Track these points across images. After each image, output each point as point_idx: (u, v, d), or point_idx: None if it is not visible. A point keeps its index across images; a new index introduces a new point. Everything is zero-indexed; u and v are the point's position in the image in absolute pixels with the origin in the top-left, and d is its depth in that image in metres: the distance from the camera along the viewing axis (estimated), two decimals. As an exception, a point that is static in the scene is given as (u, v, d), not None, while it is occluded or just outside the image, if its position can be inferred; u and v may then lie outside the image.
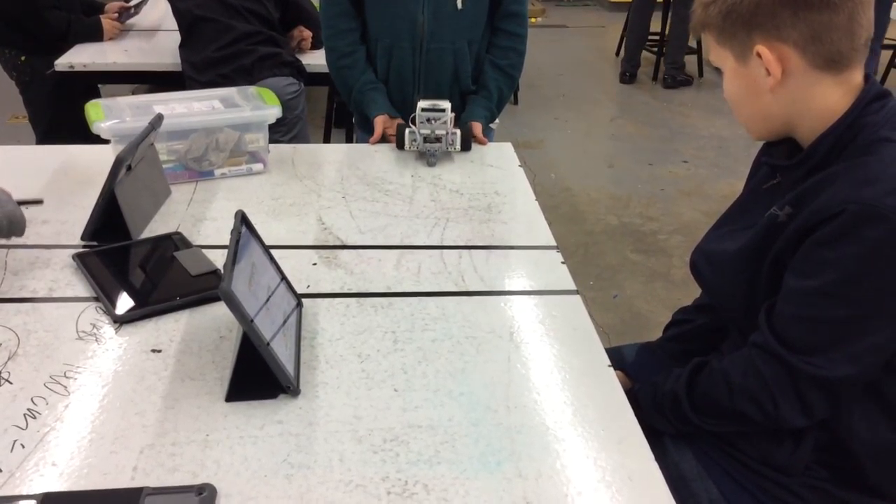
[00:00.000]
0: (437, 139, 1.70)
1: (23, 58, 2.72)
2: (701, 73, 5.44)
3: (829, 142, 0.97)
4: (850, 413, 1.03)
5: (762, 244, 1.03)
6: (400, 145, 1.74)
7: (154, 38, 2.90)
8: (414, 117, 1.69)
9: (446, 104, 1.68)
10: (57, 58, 2.60)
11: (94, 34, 2.76)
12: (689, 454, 1.14)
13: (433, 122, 1.68)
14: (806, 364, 0.96)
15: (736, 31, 0.98)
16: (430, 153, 1.70)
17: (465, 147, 1.74)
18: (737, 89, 1.03)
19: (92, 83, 2.80)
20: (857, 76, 0.99)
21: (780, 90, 0.98)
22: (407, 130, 1.71)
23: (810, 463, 1.07)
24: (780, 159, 1.06)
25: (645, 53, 5.39)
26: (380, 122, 1.84)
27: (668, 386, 1.12)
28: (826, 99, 0.98)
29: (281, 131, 2.60)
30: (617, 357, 1.37)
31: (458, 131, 1.71)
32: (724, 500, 1.11)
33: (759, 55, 0.96)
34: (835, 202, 0.92)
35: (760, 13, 0.95)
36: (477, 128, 1.84)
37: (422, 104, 1.68)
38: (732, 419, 1.06)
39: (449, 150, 1.72)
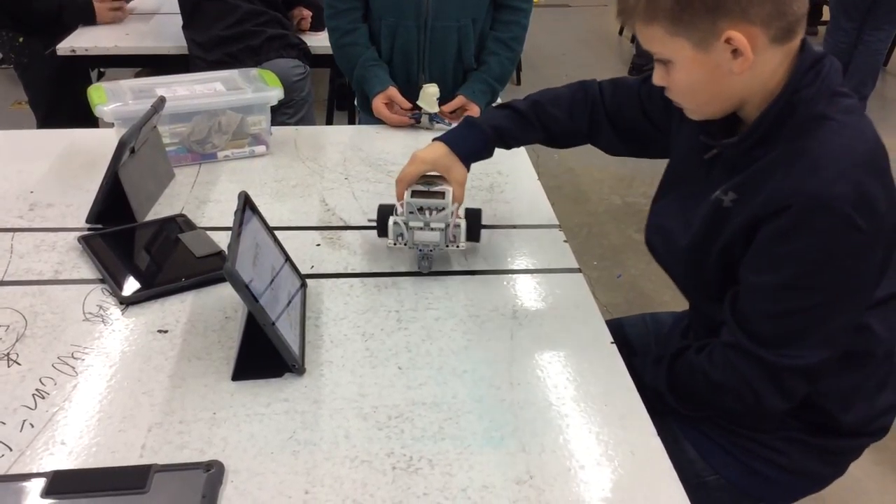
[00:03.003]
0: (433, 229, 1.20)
1: (21, 39, 2.69)
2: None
3: (770, 119, 0.95)
4: None
5: (709, 230, 1.02)
6: (381, 233, 1.25)
7: (153, 21, 2.88)
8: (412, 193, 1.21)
9: (447, 187, 1.21)
10: (56, 39, 2.58)
11: (86, 17, 2.73)
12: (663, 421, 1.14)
13: (428, 212, 1.20)
14: (783, 357, 0.96)
15: (696, 20, 0.92)
16: (424, 254, 1.22)
17: (474, 237, 1.25)
18: (696, 77, 0.98)
19: (93, 67, 2.78)
20: (797, 41, 0.96)
21: (747, 70, 0.94)
22: (391, 220, 1.21)
23: (784, 417, 1.08)
24: (719, 136, 1.04)
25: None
26: (382, 99, 1.82)
27: (648, 381, 1.10)
28: (774, 69, 0.95)
29: (287, 114, 2.60)
30: (617, 328, 1.37)
31: (463, 220, 1.22)
32: (703, 461, 1.12)
33: (727, 41, 0.91)
34: (782, 195, 0.91)
35: None
36: (469, 104, 1.84)
37: (414, 185, 1.21)
38: (717, 408, 1.08)
39: (450, 246, 1.23)
